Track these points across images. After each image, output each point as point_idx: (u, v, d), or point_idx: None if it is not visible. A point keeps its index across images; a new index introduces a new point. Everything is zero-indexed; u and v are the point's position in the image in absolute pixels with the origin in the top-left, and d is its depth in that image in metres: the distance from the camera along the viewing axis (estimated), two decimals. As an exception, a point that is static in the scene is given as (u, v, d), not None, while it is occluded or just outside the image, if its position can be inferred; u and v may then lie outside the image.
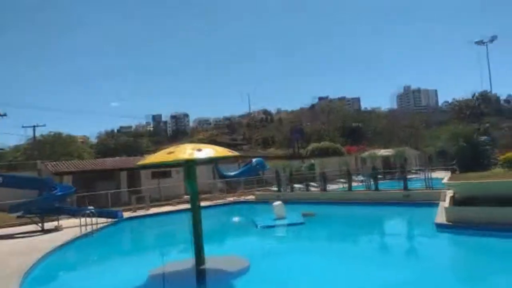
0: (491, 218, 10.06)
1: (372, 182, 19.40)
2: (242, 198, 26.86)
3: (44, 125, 46.82)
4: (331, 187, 23.61)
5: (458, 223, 10.65)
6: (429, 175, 17.16)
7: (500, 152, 17.44)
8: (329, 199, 20.58)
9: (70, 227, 17.74)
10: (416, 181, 22.42)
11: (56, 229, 17.75)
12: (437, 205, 15.04)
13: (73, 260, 13.02)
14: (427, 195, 16.63)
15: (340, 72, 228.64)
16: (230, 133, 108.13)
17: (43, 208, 17.88)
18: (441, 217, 11.72)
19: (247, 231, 15.36)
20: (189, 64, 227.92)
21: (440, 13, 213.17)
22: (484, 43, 44.49)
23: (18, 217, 18.42)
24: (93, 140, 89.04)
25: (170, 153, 8.61)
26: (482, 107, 60.15)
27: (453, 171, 16.59)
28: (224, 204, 24.72)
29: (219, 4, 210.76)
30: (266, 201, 23.65)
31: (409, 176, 29.95)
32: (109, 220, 19.14)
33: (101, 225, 17.71)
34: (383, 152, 31.47)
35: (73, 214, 18.93)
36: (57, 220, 19.16)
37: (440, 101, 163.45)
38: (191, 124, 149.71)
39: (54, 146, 49.82)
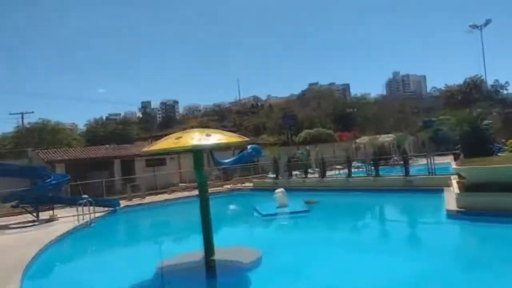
0: (506, 204, 9.87)
1: (373, 168, 19.17)
2: (239, 186, 26.56)
3: (32, 112, 45.93)
4: (328, 173, 23.40)
5: (471, 210, 10.45)
6: (432, 160, 16.94)
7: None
8: (328, 186, 20.35)
9: (66, 216, 17.31)
10: (412, 167, 22.36)
11: (51, 219, 17.25)
12: (441, 191, 14.91)
13: (75, 252, 12.56)
14: (430, 181, 16.47)
15: (330, 59, 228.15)
16: (220, 120, 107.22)
17: (38, 197, 17.33)
18: (451, 204, 11.52)
19: (250, 220, 14.99)
20: (178, 51, 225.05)
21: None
22: (478, 27, 44.30)
23: (12, 206, 17.90)
24: (82, 127, 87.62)
25: (178, 138, 8.12)
26: (474, 92, 60.40)
27: (456, 156, 16.44)
28: (221, 192, 24.38)
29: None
30: (264, 189, 23.46)
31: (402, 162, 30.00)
32: (106, 209, 18.72)
33: (98, 214, 17.26)
34: (384, 137, 31.35)
35: (69, 203, 18.42)
36: (52, 209, 18.69)
37: (428, 87, 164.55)
38: (180, 111, 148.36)
39: (42, 134, 48.78)
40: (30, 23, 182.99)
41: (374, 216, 15.07)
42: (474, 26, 44.84)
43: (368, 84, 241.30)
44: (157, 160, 28.88)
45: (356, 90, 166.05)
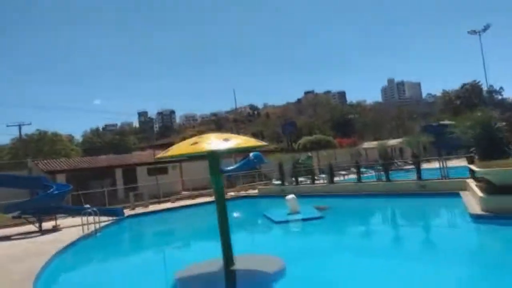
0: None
1: (383, 173, 18.83)
2: (243, 193, 26.12)
3: (29, 124, 45.29)
4: (335, 179, 23.03)
5: (499, 213, 10.08)
6: (445, 164, 16.62)
7: None
8: (337, 191, 19.99)
9: (69, 226, 16.85)
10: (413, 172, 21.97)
11: (55, 229, 16.80)
12: (456, 195, 14.58)
13: (84, 262, 12.00)
14: (444, 185, 16.13)
15: (325, 66, 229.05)
16: (217, 129, 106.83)
17: (41, 207, 16.85)
18: (475, 207, 11.16)
19: (263, 226, 14.49)
20: (175, 60, 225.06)
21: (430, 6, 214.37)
22: (477, 32, 44.30)
23: (14, 217, 17.40)
24: (78, 138, 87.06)
25: (194, 143, 7.79)
26: (473, 97, 60.50)
27: (469, 160, 16.09)
28: (226, 200, 23.85)
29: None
30: (270, 195, 23.07)
31: (407, 167, 29.76)
32: (110, 218, 18.23)
33: (103, 224, 16.76)
34: (393, 142, 31.10)
35: (73, 213, 17.95)
36: (55, 220, 18.19)
37: (423, 93, 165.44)
38: (177, 120, 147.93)
39: (39, 144, 48.22)
40: (26, 34, 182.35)
41: (394, 222, 14.52)
42: (473, 32, 44.82)
43: (364, 91, 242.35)
44: (159, 168, 28.42)
45: (351, 97, 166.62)
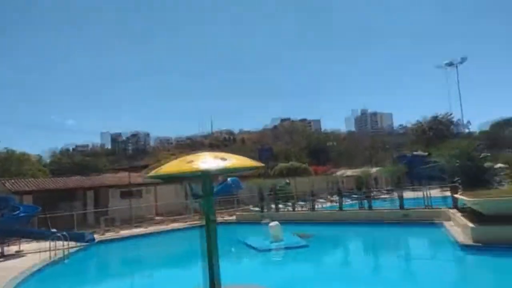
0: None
1: (365, 201, 18.62)
2: (220, 219, 25.30)
3: (-3, 141, 43.23)
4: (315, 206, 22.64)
5: (490, 243, 9.88)
6: (428, 193, 16.55)
7: None
8: (319, 219, 19.57)
9: (34, 252, 15.65)
10: (389, 201, 21.96)
11: (18, 254, 15.58)
12: (439, 224, 14.43)
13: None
14: (427, 214, 15.99)
15: (300, 95, 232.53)
16: (192, 153, 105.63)
17: (4, 230, 15.63)
18: (463, 237, 10.95)
19: (245, 255, 13.74)
20: (148, 81, 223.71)
21: (402, 38, 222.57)
22: (454, 64, 45.92)
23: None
24: (46, 159, 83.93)
25: (190, 162, 7.18)
26: (444, 129, 62.04)
27: (453, 189, 16.06)
28: (203, 226, 22.99)
29: (180, 19, 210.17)
30: (249, 222, 22.39)
31: (383, 196, 29.81)
32: (79, 244, 17.09)
33: (72, 250, 15.64)
34: (374, 170, 31.24)
35: (40, 237, 16.71)
36: (19, 244, 16.93)
37: (395, 124, 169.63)
38: (152, 143, 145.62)
39: (6, 164, 46.03)
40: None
41: (381, 251, 14.08)
42: (450, 64, 46.49)
43: (337, 121, 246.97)
44: (133, 191, 27.33)
45: (325, 126, 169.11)
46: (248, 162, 7.90)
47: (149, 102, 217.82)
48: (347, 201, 22.31)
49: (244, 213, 24.93)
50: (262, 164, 8.92)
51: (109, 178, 32.16)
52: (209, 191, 7.89)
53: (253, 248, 13.82)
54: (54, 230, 17.03)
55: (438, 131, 61.06)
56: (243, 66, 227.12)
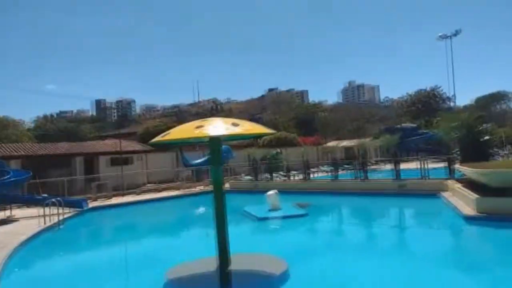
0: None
1: (361, 171, 18.65)
2: (211, 187, 25.19)
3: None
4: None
5: (494, 214, 9.96)
6: (426, 165, 16.59)
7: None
8: (313, 188, 19.59)
9: (26, 217, 15.36)
10: (384, 172, 22.09)
11: (9, 220, 15.26)
12: (436, 196, 14.52)
13: (51, 257, 10.75)
14: (424, 185, 16.08)
15: (289, 66, 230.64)
16: (178, 122, 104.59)
17: (-4, 196, 15.25)
18: (466, 208, 11.01)
19: (246, 223, 13.56)
20: (136, 49, 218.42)
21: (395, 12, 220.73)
22: (448, 36, 45.51)
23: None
24: (29, 124, 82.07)
25: (198, 127, 6.82)
26: (433, 102, 62.44)
27: (450, 161, 16.14)
28: (196, 194, 22.96)
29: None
30: (242, 190, 22.37)
31: (374, 167, 30.00)
32: (72, 210, 16.82)
33: (65, 215, 15.34)
34: (373, 141, 31.27)
35: (32, 203, 16.38)
36: (10, 209, 16.60)
37: (381, 97, 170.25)
38: (137, 110, 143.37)
39: (-12, 128, 44.88)
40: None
41: (384, 221, 13.97)
42: (444, 36, 46.04)
43: (324, 92, 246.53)
44: (123, 158, 26.87)
45: (313, 97, 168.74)
46: (261, 128, 7.63)
47: (135, 69, 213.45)
48: (341, 172, 22.36)
49: (237, 182, 24.84)
50: (274, 131, 8.65)
51: (97, 144, 31.54)
52: (218, 158, 7.65)
53: (254, 216, 13.74)
54: (45, 195, 16.71)
55: (426, 104, 61.48)
56: (237, 35, 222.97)
